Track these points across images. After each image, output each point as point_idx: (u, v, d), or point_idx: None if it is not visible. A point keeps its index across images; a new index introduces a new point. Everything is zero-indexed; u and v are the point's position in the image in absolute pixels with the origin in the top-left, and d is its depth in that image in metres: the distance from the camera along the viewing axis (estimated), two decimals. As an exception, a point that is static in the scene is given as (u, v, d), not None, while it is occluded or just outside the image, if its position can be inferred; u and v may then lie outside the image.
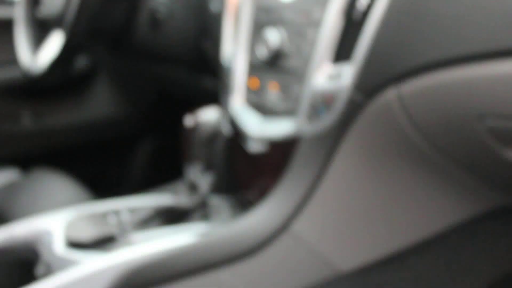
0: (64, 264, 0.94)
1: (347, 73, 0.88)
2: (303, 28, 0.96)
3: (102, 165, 2.15)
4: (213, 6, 1.31)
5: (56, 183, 1.51)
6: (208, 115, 0.95)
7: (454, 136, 0.83)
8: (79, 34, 1.19)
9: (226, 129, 0.98)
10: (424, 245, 0.99)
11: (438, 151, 0.87)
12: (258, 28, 1.07)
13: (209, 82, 1.52)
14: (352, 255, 0.97)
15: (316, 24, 0.94)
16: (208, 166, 0.97)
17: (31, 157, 1.95)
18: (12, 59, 1.82)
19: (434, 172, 0.94)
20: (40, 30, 1.49)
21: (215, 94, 1.51)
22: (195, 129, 0.94)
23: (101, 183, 2.10)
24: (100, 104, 2.05)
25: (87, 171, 2.07)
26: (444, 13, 0.75)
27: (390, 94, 0.84)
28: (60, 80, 1.32)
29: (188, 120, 0.95)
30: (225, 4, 1.22)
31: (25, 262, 1.07)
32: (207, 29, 1.37)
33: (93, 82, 1.98)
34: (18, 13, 1.49)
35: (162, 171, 2.15)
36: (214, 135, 0.95)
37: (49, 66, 1.28)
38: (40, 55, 1.38)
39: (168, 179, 2.14)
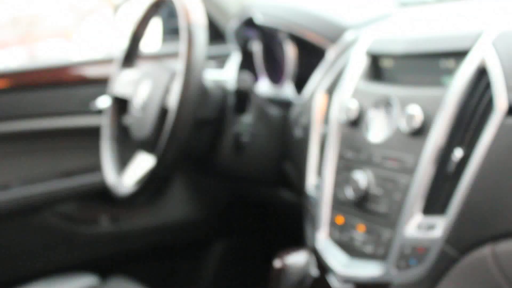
0: None
1: (440, 226, 0.88)
2: (393, 174, 0.98)
3: (174, 267, 2.17)
4: (297, 132, 1.34)
5: None
6: (296, 258, 0.96)
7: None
8: (168, 160, 1.23)
9: (314, 272, 0.98)
10: None
11: None
12: (345, 167, 1.09)
13: (286, 193, 1.55)
14: None
15: (407, 171, 0.95)
16: None
17: (107, 259, 2.00)
18: (96, 165, 1.90)
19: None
20: (125, 145, 1.55)
21: (290, 204, 1.53)
22: (283, 271, 0.95)
23: (173, 284, 2.12)
24: (175, 207, 2.10)
25: (160, 272, 2.11)
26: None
27: (485, 251, 0.84)
28: (145, 201, 1.36)
29: (277, 262, 0.96)
30: (310, 133, 1.25)
31: None
32: (289, 152, 1.40)
33: (169, 187, 2.03)
34: (105, 131, 1.55)
35: (233, 273, 2.17)
36: (302, 278, 0.96)
37: (136, 190, 1.32)
38: (126, 176, 1.43)
39: (239, 281, 2.15)
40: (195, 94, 1.19)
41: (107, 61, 1.99)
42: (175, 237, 2.11)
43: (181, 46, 1.22)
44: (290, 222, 1.64)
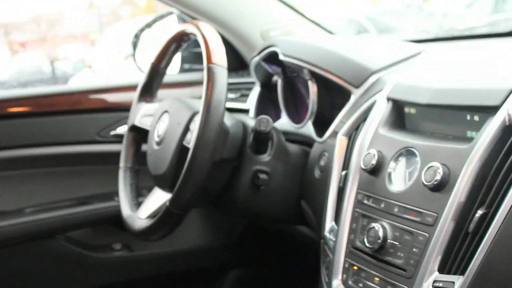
0: None
1: (458, 286, 0.86)
2: (412, 226, 0.96)
3: None
4: (316, 173, 1.34)
5: None
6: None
7: None
8: (184, 199, 1.23)
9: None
10: None
11: None
12: (363, 215, 1.08)
13: (303, 228, 1.54)
14: None
15: (427, 225, 0.94)
16: None
17: (120, 285, 2.01)
18: (111, 191, 1.91)
19: None
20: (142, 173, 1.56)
21: (308, 238, 1.52)
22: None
23: None
24: (190, 234, 2.11)
25: None
26: None
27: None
28: (159, 238, 1.37)
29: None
30: (329, 175, 1.24)
31: None
32: (307, 192, 1.39)
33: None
34: (122, 161, 1.55)
35: None
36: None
37: (150, 226, 1.32)
38: (141, 212, 1.43)
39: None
40: (215, 134, 1.19)
41: (127, 88, 2.02)
42: (189, 265, 2.13)
43: (203, 86, 1.22)
44: (306, 256, 1.64)
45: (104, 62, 9.80)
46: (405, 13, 7.35)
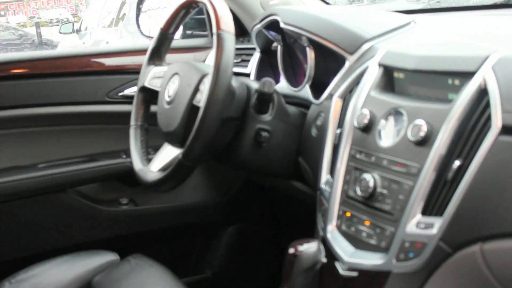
0: None
1: (437, 225, 1.01)
2: (399, 177, 1.10)
3: (187, 247, 2.30)
4: (313, 132, 1.46)
5: (153, 273, 1.67)
6: (308, 247, 1.09)
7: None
8: (195, 153, 1.35)
9: (323, 259, 1.11)
10: None
11: None
12: (355, 167, 1.21)
13: (299, 185, 1.67)
14: None
15: (412, 175, 1.07)
16: None
17: (126, 238, 2.13)
18: (118, 150, 2.02)
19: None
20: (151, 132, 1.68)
21: (303, 194, 1.65)
22: (296, 257, 1.08)
23: (185, 264, 2.26)
24: (191, 191, 2.22)
25: (174, 252, 2.24)
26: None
27: (475, 249, 0.97)
28: (169, 189, 1.49)
29: (291, 249, 1.10)
30: (325, 133, 1.38)
31: None
32: (304, 149, 1.52)
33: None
34: (133, 119, 1.67)
35: (243, 257, 2.30)
36: (313, 265, 1.09)
37: (161, 178, 1.44)
38: (153, 165, 1.55)
39: (247, 264, 2.27)
40: (223, 94, 1.32)
41: (134, 52, 2.11)
42: (189, 219, 2.23)
43: (213, 50, 1.34)
44: (301, 211, 1.76)
45: (93, 26, 9.77)
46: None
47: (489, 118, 0.98)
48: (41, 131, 2.05)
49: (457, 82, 1.09)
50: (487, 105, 0.99)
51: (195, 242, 2.32)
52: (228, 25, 1.36)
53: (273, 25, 1.67)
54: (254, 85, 1.51)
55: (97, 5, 10.26)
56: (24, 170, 1.98)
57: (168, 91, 1.52)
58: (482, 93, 1.01)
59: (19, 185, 1.94)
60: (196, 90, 1.43)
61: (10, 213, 1.98)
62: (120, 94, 2.07)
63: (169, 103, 1.50)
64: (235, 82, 1.48)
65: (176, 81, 1.51)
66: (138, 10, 2.28)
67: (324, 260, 1.10)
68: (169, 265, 1.76)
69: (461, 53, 1.11)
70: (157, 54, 1.67)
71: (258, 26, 1.74)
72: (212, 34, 1.39)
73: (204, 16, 2.21)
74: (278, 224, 2.34)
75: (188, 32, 2.36)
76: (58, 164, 2.01)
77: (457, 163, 1.01)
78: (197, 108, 1.37)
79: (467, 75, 1.05)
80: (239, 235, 2.31)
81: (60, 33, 10.39)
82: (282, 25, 1.60)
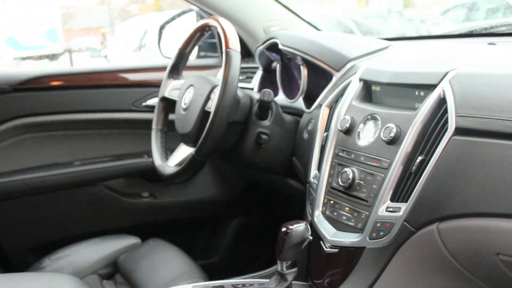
0: None
1: (403, 209, 1.08)
2: (373, 170, 1.17)
3: (198, 235, 2.36)
4: (304, 135, 1.53)
5: (169, 253, 1.73)
6: (298, 226, 1.16)
7: (477, 261, 1.02)
8: (205, 150, 1.43)
9: (310, 235, 1.18)
10: None
11: (465, 269, 1.06)
12: (338, 163, 1.28)
13: (293, 182, 1.73)
14: None
15: (384, 168, 1.14)
16: (294, 263, 1.18)
17: (146, 225, 2.19)
18: (141, 151, 2.09)
19: (462, 281, 1.12)
20: (169, 136, 1.75)
21: (295, 190, 1.71)
22: (288, 234, 1.15)
23: (196, 248, 2.31)
24: (202, 188, 2.28)
25: (187, 238, 2.29)
26: (475, 180, 0.96)
27: (433, 227, 1.04)
28: (184, 181, 1.55)
29: (283, 228, 1.16)
30: (314, 136, 1.45)
31: None
32: (298, 150, 1.59)
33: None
34: (154, 124, 1.74)
35: (245, 245, 2.35)
36: (301, 241, 1.16)
37: (177, 172, 1.52)
38: (170, 161, 1.63)
39: (249, 251, 2.31)
40: (230, 101, 1.39)
41: (155, 69, 2.19)
42: (200, 212, 2.29)
43: (222, 65, 1.42)
44: (294, 205, 1.82)
45: (118, 53, 9.85)
46: (387, 18, 7.39)
47: (446, 121, 1.05)
48: (77, 134, 2.12)
49: (422, 93, 1.16)
50: (445, 111, 1.06)
51: (204, 232, 2.37)
52: (235, 45, 1.44)
53: (273, 47, 1.74)
54: (256, 96, 1.58)
55: (121, 35, 10.35)
56: (63, 166, 2.04)
57: (184, 100, 1.60)
58: (442, 102, 1.08)
59: (58, 179, 2.01)
60: (208, 98, 1.51)
61: (50, 202, 2.04)
62: (144, 104, 2.14)
63: (185, 109, 1.58)
64: (240, 93, 1.55)
65: (191, 91, 1.58)
66: (160, 34, 2.35)
67: (310, 237, 1.16)
68: (183, 248, 1.82)
69: (426, 69, 1.18)
70: (176, 69, 1.74)
71: (261, 47, 1.81)
72: (222, 53, 1.46)
73: (216, 40, 2.28)
74: (275, 217, 2.39)
75: (202, 53, 2.43)
76: (91, 162, 2.08)
77: (420, 158, 1.08)
78: (208, 113, 1.44)
79: (430, 87, 1.12)
80: (242, 227, 2.36)
81: (90, 57, 10.48)
82: (280, 46, 1.67)
